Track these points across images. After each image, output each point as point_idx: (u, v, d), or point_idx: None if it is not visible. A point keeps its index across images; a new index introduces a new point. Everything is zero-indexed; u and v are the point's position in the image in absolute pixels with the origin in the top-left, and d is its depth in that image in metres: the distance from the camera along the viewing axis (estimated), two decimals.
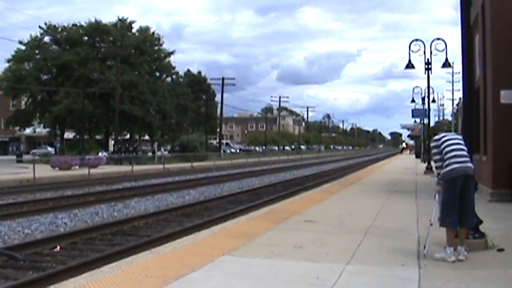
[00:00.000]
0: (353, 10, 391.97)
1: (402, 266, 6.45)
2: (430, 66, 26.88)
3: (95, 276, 5.87)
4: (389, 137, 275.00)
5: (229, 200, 19.09)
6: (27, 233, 12.40)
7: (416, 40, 24.77)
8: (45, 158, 42.27)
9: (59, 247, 10.35)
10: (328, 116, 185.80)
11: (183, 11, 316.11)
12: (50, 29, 58.84)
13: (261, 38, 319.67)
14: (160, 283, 5.55)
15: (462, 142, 7.06)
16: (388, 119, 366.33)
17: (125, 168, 35.72)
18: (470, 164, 6.91)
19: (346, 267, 6.36)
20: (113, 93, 52.10)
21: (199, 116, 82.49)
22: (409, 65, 24.46)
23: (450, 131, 8.20)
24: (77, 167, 35.51)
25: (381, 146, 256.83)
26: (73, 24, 59.95)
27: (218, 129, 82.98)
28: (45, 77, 59.04)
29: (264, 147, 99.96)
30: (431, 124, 31.40)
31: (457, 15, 8.94)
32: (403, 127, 75.04)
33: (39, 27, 58.44)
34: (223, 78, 76.24)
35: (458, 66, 46.32)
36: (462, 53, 8.73)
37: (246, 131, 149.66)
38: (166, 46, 68.28)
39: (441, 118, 71.92)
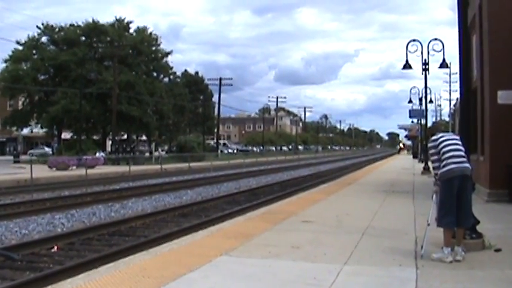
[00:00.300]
0: (350, 10, 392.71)
1: (399, 266, 6.46)
2: (427, 67, 26.95)
3: (92, 277, 5.86)
4: (386, 138, 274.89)
5: (226, 201, 19.09)
6: (24, 234, 12.38)
7: (414, 40, 24.81)
8: (42, 158, 42.23)
9: (56, 247, 10.34)
10: (326, 117, 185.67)
11: (180, 12, 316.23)
12: (48, 29, 58.75)
13: (259, 38, 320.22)
14: (158, 283, 5.54)
15: (459, 142, 7.07)
16: (385, 120, 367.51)
17: (122, 168, 35.67)
18: (467, 165, 6.92)
19: (344, 267, 6.36)
20: (110, 93, 52.05)
21: (197, 117, 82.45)
22: (407, 66, 24.48)
23: (447, 132, 8.18)
24: (74, 167, 35.46)
25: (378, 146, 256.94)
26: (70, 25, 59.93)
27: (215, 130, 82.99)
28: (42, 77, 58.94)
29: (261, 148, 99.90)
30: (429, 124, 31.51)
31: (454, 16, 8.95)
32: (400, 127, 75.21)
33: (37, 27, 58.49)
34: (220, 79, 76.22)
35: (455, 67, 46.59)
36: (459, 54, 8.74)
37: (243, 132, 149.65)
38: (164, 46, 68.28)
39: (438, 118, 72.21)
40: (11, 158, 50.41)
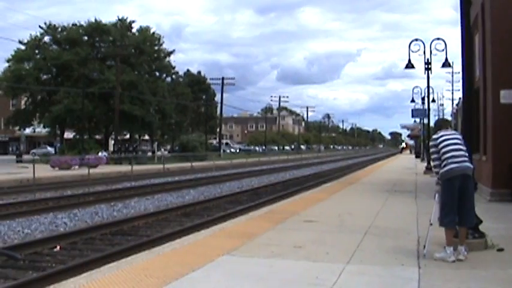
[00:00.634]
0: (353, 10, 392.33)
1: (402, 265, 6.45)
2: (429, 66, 26.88)
3: (95, 276, 5.87)
4: (389, 137, 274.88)
5: (229, 200, 19.09)
6: (27, 233, 12.40)
7: (416, 40, 24.78)
8: (45, 158, 42.25)
9: (58, 247, 10.35)
10: (328, 116, 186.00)
11: (183, 11, 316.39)
12: (50, 29, 58.79)
13: (261, 37, 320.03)
14: (160, 283, 5.55)
15: (460, 141, 7.02)
16: (388, 119, 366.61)
17: (124, 168, 35.70)
18: (468, 164, 6.89)
19: (346, 267, 6.36)
20: (113, 93, 52.07)
21: (199, 116, 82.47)
22: (409, 65, 24.46)
23: (452, 128, 8.04)
24: (76, 166, 35.51)
25: (381, 146, 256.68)
26: (73, 24, 59.95)
27: (218, 129, 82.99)
28: (45, 76, 59.04)
29: (263, 147, 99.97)
30: (431, 124, 31.41)
31: (456, 15, 8.95)
32: (402, 127, 74.99)
33: (39, 27, 58.53)
34: (223, 78, 76.28)
35: (458, 66, 46.41)
36: (462, 53, 8.73)
37: (245, 131, 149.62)
38: (166, 46, 68.30)
39: (441, 118, 71.95)
40: (14, 157, 50.55)
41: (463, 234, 6.92)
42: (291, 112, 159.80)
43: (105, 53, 58.96)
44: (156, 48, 64.25)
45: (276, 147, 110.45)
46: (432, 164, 7.37)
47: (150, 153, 58.77)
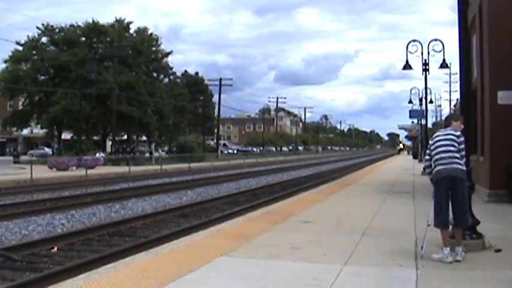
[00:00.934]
0: (351, 11, 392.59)
1: (399, 266, 6.46)
2: (427, 67, 26.95)
3: (92, 277, 5.86)
4: (386, 138, 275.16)
5: (226, 201, 19.10)
6: (24, 234, 12.38)
7: (414, 41, 24.84)
8: (42, 159, 42.25)
9: (56, 248, 10.34)
10: (326, 117, 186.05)
11: (180, 12, 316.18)
12: (48, 30, 58.71)
13: (259, 38, 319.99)
14: (158, 284, 5.54)
15: (451, 142, 6.94)
16: (385, 120, 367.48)
17: (122, 169, 35.65)
18: (455, 166, 6.85)
19: (344, 267, 6.36)
20: (110, 94, 52.06)
21: (197, 117, 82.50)
22: (407, 66, 24.50)
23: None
24: (74, 167, 35.47)
25: (379, 146, 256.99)
26: (70, 25, 59.86)
27: (215, 130, 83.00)
28: (42, 77, 58.94)
29: (261, 148, 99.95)
30: (429, 125, 31.48)
31: (454, 16, 8.96)
32: (400, 128, 75.13)
33: (37, 27, 58.43)
34: (220, 79, 76.25)
35: (455, 67, 46.63)
36: (459, 54, 8.74)
37: (243, 132, 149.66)
38: (164, 47, 68.39)
39: (438, 119, 72.14)
40: (11, 158, 50.46)
41: (458, 235, 6.93)
42: (289, 113, 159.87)
43: (103, 53, 58.92)
44: (153, 49, 64.24)
45: (274, 148, 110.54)
46: (424, 164, 7.42)
47: (147, 154, 58.78)
